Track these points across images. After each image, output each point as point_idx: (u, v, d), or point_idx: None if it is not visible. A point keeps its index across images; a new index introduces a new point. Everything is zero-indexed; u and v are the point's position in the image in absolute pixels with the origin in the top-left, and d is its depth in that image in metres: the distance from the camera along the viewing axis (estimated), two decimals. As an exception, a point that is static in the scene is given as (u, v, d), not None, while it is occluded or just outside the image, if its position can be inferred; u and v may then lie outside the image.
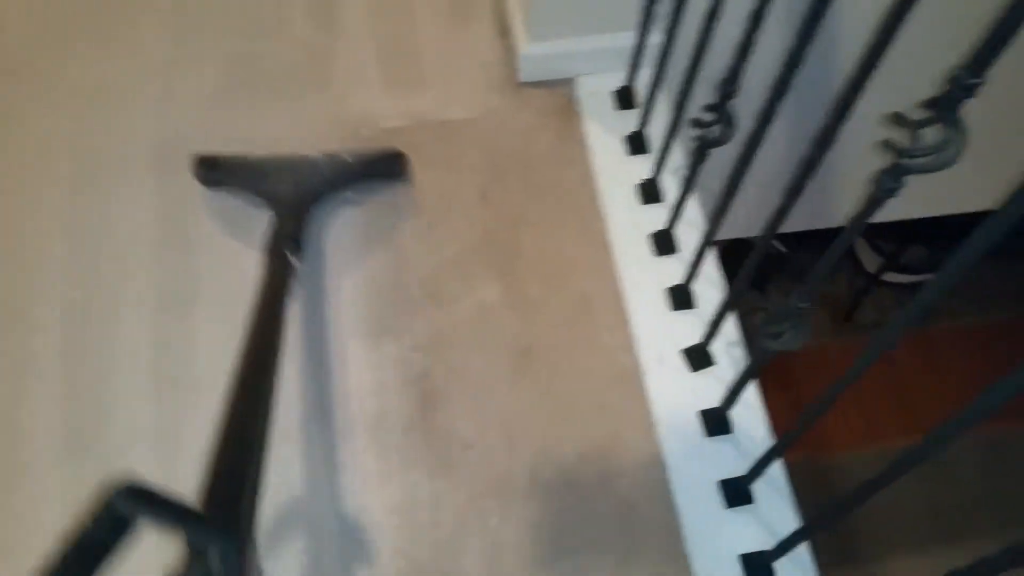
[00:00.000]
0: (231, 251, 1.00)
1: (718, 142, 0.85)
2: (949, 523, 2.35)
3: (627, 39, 1.08)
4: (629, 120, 1.11)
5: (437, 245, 1.01)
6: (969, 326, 2.71)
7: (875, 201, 0.60)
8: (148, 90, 1.12)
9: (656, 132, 1.09)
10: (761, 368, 0.83)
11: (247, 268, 0.95)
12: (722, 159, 0.84)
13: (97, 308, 0.97)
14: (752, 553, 0.84)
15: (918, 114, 0.55)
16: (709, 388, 0.94)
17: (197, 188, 1.03)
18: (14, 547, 0.84)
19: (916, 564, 2.29)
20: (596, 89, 1.13)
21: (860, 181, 0.63)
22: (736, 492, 0.88)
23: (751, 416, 0.92)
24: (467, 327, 0.96)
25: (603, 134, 1.10)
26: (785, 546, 0.80)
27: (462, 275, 0.99)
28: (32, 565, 0.49)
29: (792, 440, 0.78)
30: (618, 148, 1.10)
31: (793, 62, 0.70)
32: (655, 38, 1.03)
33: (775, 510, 0.87)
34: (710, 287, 1.00)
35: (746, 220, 0.95)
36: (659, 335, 0.97)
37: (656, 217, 1.05)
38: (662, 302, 1.00)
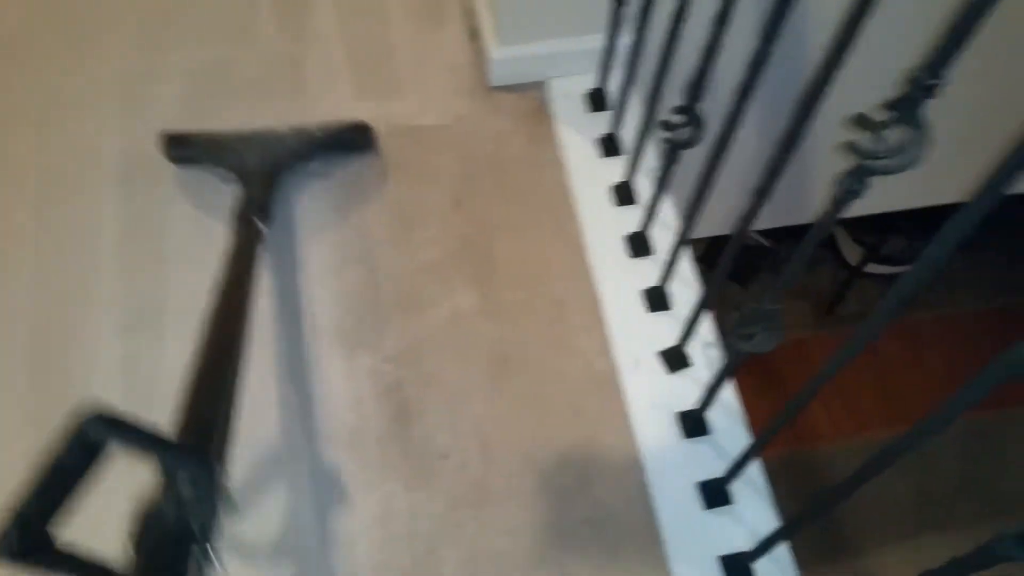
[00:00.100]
0: (203, 263, 0.99)
1: (688, 144, 0.85)
2: (934, 512, 2.37)
3: (597, 41, 1.08)
4: (602, 122, 1.11)
5: (411, 252, 1.01)
6: (953, 316, 2.73)
7: (840, 202, 0.60)
8: (113, 102, 1.11)
9: (629, 134, 1.09)
10: (738, 367, 0.83)
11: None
12: (697, 159, 0.84)
13: (60, 330, 0.96)
14: (731, 554, 0.84)
15: (880, 115, 0.54)
16: (686, 389, 0.93)
17: (166, 201, 1.02)
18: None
19: (904, 554, 2.30)
20: (568, 92, 1.13)
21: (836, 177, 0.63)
22: (715, 493, 0.87)
23: (729, 416, 0.92)
24: (442, 335, 0.96)
25: (576, 137, 1.10)
26: (764, 546, 0.80)
27: (436, 282, 0.99)
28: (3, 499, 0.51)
29: (768, 440, 0.78)
30: (591, 150, 1.10)
31: (758, 63, 0.70)
32: (625, 40, 1.03)
33: (754, 510, 0.87)
34: (686, 288, 1.00)
35: (724, 218, 0.95)
36: (635, 337, 0.97)
37: (631, 219, 1.04)
38: (638, 304, 0.99)
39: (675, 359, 0.96)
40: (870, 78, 0.77)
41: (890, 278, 2.73)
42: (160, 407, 0.90)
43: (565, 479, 0.88)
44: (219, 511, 0.63)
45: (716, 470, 0.88)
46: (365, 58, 1.15)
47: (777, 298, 0.71)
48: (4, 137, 1.08)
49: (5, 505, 0.52)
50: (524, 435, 0.91)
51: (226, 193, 0.99)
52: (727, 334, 0.93)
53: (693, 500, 0.88)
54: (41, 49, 1.15)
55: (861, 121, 0.55)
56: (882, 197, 1.60)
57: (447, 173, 1.06)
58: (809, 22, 1.12)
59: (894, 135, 0.54)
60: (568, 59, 1.12)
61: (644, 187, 1.07)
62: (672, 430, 0.91)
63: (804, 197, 1.52)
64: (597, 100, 1.13)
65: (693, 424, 0.91)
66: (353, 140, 1.06)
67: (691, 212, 0.87)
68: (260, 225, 0.93)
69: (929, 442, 0.54)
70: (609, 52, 1.07)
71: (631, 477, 0.89)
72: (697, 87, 0.80)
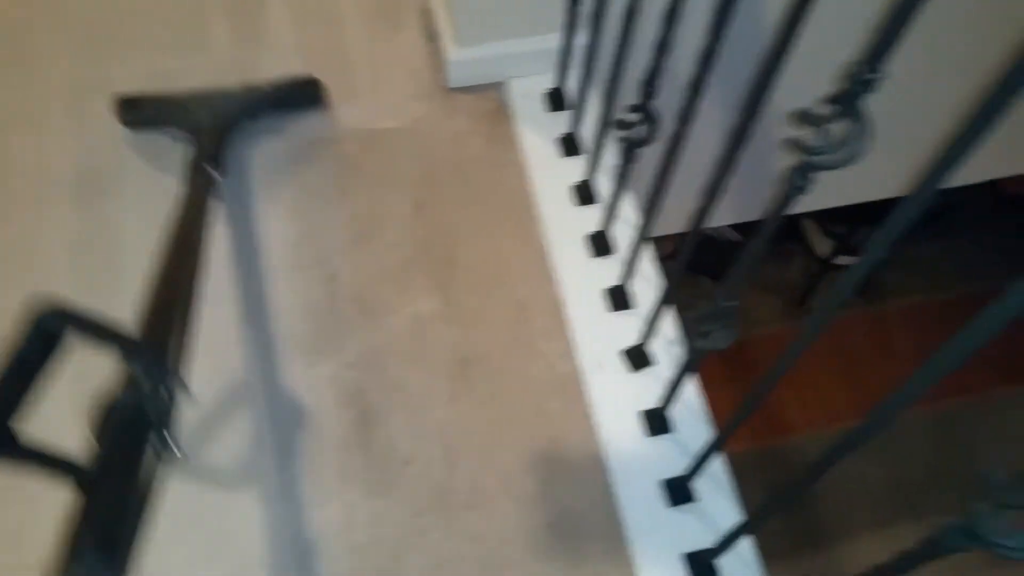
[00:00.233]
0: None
1: (644, 142, 0.85)
2: (908, 499, 2.40)
3: (555, 41, 1.07)
4: (561, 122, 1.10)
5: (370, 258, 1.00)
6: (919, 304, 2.77)
7: (787, 199, 0.60)
8: (62, 115, 1.08)
9: (589, 133, 1.09)
10: (698, 364, 0.83)
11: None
12: (658, 157, 0.84)
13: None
14: (695, 552, 0.84)
15: (822, 110, 0.55)
16: (649, 388, 0.93)
17: (120, 214, 1.00)
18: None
19: (881, 541, 2.33)
20: (527, 92, 1.13)
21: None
22: (678, 491, 0.87)
23: (691, 413, 0.92)
24: (403, 340, 0.95)
25: (536, 137, 1.10)
26: (727, 542, 0.80)
27: (397, 287, 0.98)
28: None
29: (727, 436, 0.78)
30: (551, 150, 1.09)
31: (707, 59, 0.70)
32: (581, 39, 1.02)
33: (718, 506, 0.87)
34: (648, 286, 1.00)
35: (687, 216, 0.95)
36: (598, 337, 0.97)
37: (592, 218, 1.04)
38: (600, 304, 0.99)
39: (638, 358, 0.95)
40: (826, 74, 0.78)
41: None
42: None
43: (529, 482, 0.88)
44: (175, 400, 0.66)
45: (680, 467, 0.88)
46: (321, 63, 1.14)
47: (733, 295, 0.71)
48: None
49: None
50: (488, 439, 0.90)
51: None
52: (687, 332, 0.94)
53: (657, 498, 0.88)
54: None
55: (804, 117, 0.56)
56: (854, 189, 1.62)
57: (406, 176, 1.06)
58: (766, 19, 1.12)
59: (836, 129, 0.54)
60: (526, 59, 1.11)
61: (605, 186, 1.06)
62: (636, 429, 0.91)
63: (765, 193, 1.53)
64: (556, 100, 1.13)
65: (656, 422, 0.91)
66: (303, 95, 1.09)
67: (649, 209, 0.87)
68: (213, 173, 0.94)
69: (892, 422, 0.54)
70: (566, 51, 1.07)
71: (595, 478, 0.89)
72: (650, 85, 0.80)
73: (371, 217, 1.03)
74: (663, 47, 0.77)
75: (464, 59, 1.10)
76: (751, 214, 1.67)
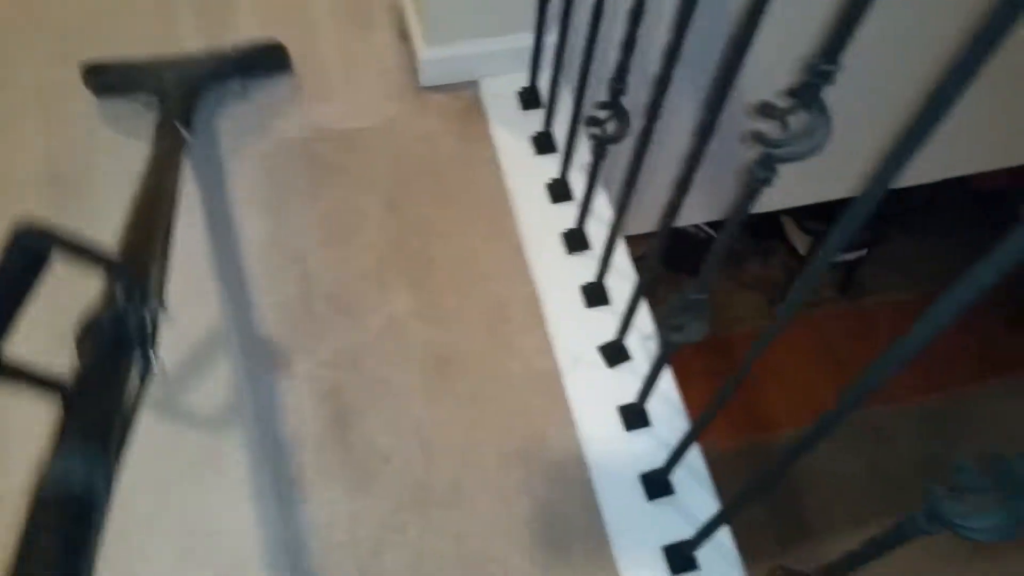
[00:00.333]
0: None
1: (615, 138, 0.85)
2: (892, 493, 2.42)
3: (526, 39, 1.08)
4: (535, 120, 1.11)
5: (344, 258, 1.00)
6: (898, 300, 2.79)
7: (751, 191, 0.61)
8: (28, 119, 1.07)
9: (562, 130, 1.09)
10: (672, 357, 0.83)
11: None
12: (631, 153, 0.85)
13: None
14: (674, 544, 0.85)
15: (782, 102, 0.55)
16: (626, 383, 0.94)
17: (91, 218, 1.00)
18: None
19: (864, 535, 2.34)
20: (500, 90, 1.13)
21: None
22: (656, 484, 0.88)
23: (668, 406, 0.93)
24: (380, 339, 0.95)
25: (509, 135, 1.10)
26: (704, 533, 0.81)
27: (372, 287, 0.98)
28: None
29: (702, 428, 0.78)
30: (525, 148, 1.10)
31: (672, 56, 0.70)
32: (551, 38, 1.03)
33: (695, 499, 0.88)
34: (624, 282, 1.01)
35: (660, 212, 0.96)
36: (575, 333, 0.97)
37: (567, 215, 1.05)
38: (577, 300, 1.00)
39: (615, 353, 0.96)
40: (791, 69, 0.79)
41: (840, 265, 2.78)
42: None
43: (509, 478, 0.88)
44: (156, 321, 0.68)
45: (658, 461, 0.89)
46: (293, 63, 1.14)
47: (702, 288, 0.72)
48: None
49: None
50: (467, 436, 0.90)
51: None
52: (659, 325, 0.94)
53: (636, 492, 0.88)
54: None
55: (764, 109, 0.56)
56: (834, 184, 1.63)
57: (380, 175, 1.06)
58: (732, 15, 1.13)
59: (797, 121, 0.55)
60: (498, 58, 1.12)
61: (579, 183, 1.07)
62: (614, 424, 0.92)
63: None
64: (529, 98, 1.13)
65: (634, 416, 0.92)
66: (268, 59, 1.11)
67: (622, 205, 0.88)
68: (183, 131, 0.95)
69: (861, 403, 0.55)
70: (537, 50, 1.08)
71: (575, 473, 0.89)
72: (619, 81, 0.81)
73: (345, 216, 1.03)
74: (630, 45, 0.77)
75: (436, 58, 1.10)
76: (720, 213, 1.68)
